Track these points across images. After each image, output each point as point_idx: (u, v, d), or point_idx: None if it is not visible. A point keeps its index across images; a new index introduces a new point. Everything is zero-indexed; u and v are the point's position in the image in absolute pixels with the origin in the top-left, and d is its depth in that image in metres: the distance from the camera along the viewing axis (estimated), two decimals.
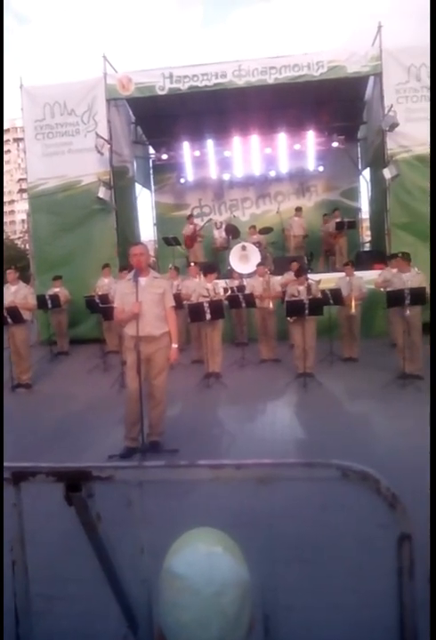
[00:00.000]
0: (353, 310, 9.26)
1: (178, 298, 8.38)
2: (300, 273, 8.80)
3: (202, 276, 9.76)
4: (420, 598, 1.07)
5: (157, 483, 1.11)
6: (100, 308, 9.48)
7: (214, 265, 11.25)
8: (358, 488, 1.03)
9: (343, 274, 10.00)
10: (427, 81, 11.49)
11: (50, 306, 10.71)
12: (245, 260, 12.06)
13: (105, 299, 9.68)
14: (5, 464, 1.19)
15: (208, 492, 3.73)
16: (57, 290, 11.24)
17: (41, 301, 10.17)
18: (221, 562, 0.96)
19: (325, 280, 10.03)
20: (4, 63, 8.96)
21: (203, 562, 0.96)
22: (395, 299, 7.91)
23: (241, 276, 11.37)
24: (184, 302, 9.18)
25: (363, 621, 2.78)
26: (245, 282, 10.78)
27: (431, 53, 3.89)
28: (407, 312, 7.83)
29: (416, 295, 7.69)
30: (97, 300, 9.91)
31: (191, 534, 1.03)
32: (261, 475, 1.05)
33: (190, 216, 15.09)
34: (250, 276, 11.18)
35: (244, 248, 12.22)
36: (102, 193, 12.01)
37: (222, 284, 10.15)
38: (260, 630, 1.12)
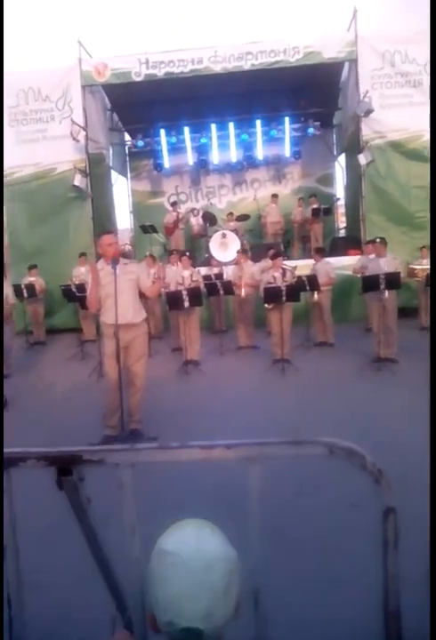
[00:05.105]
0: (316, 296, 9.36)
1: None
2: (275, 256, 8.87)
3: (179, 263, 9.76)
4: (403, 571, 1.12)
5: (148, 465, 1.12)
6: (77, 296, 9.42)
7: (186, 251, 11.22)
8: (344, 464, 1.07)
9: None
10: (402, 67, 11.59)
11: (26, 295, 10.60)
12: (224, 248, 12.10)
13: (82, 287, 9.60)
14: None
15: (199, 472, 3.77)
16: (33, 279, 11.12)
17: (16, 291, 10.06)
18: (209, 540, 1.00)
19: (299, 267, 10.12)
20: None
21: (192, 540, 1.00)
22: (370, 284, 8.02)
23: (220, 263, 11.39)
24: (163, 290, 9.15)
25: (350, 595, 2.86)
26: (224, 269, 10.82)
27: (431, 51, 3.92)
28: (386, 295, 7.94)
29: (391, 280, 7.80)
30: (74, 289, 9.83)
31: (180, 522, 1.06)
32: (251, 454, 1.08)
33: (174, 203, 14.98)
34: (229, 263, 11.22)
35: (224, 235, 12.27)
36: (78, 180, 11.86)
37: (202, 271, 10.17)
38: (250, 604, 1.15)
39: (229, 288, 9.40)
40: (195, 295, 8.45)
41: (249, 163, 15.71)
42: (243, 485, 1.14)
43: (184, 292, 8.36)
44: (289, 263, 9.79)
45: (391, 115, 11.61)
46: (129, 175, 17.16)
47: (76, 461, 1.10)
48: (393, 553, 1.03)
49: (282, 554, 3.20)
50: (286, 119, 14.36)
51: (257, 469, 1.08)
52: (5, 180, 12.48)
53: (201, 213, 14.58)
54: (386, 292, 7.93)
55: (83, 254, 11.33)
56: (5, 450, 1.18)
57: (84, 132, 12.02)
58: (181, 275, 9.06)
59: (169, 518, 1.11)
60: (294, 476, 4.14)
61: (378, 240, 8.66)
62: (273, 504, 3.57)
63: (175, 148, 15.23)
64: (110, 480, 1.20)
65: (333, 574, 3.09)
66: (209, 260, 11.80)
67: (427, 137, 11.12)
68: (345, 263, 11.16)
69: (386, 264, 8.21)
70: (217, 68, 11.91)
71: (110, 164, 14.93)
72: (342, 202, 16.38)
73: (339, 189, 16.52)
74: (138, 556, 1.21)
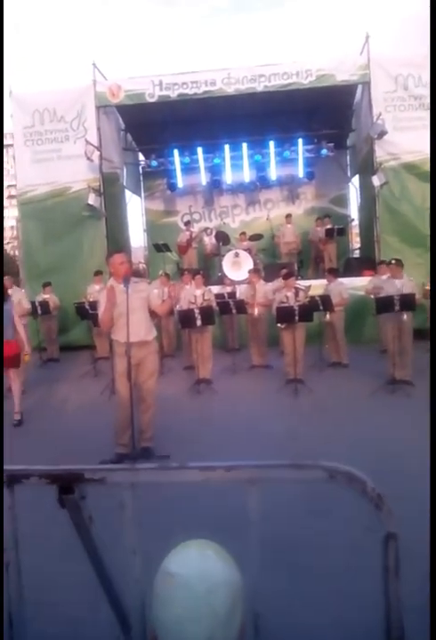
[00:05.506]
0: (328, 316, 9.34)
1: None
2: (287, 276, 8.88)
3: (192, 282, 9.80)
4: (405, 597, 1.10)
5: (148, 485, 1.12)
6: (91, 314, 9.47)
7: (199, 270, 11.28)
8: (345, 489, 1.06)
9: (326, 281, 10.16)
10: (415, 90, 11.64)
11: (39, 312, 10.69)
12: (237, 267, 12.17)
13: (95, 305, 9.65)
14: None
15: (199, 493, 3.74)
16: (46, 296, 11.22)
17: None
18: (213, 563, 0.99)
19: (314, 286, 10.11)
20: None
21: (196, 562, 0.99)
22: (384, 305, 7.97)
23: (233, 282, 11.43)
24: (175, 308, 9.18)
25: (349, 621, 2.80)
26: (237, 288, 10.86)
27: (431, 56, 3.93)
28: (405, 317, 7.89)
29: (405, 302, 7.74)
30: (87, 307, 9.89)
31: (186, 543, 1.06)
32: (250, 476, 1.07)
33: (188, 222, 15.12)
34: (242, 282, 11.26)
35: (237, 255, 12.35)
36: (92, 199, 12.01)
37: (215, 290, 10.20)
38: (250, 629, 1.14)
39: (241, 307, 9.41)
40: (207, 314, 8.46)
41: (262, 183, 15.84)
42: (247, 504, 1.13)
43: (197, 311, 8.39)
44: (303, 283, 9.79)
45: (404, 137, 11.66)
46: (143, 194, 17.35)
47: (77, 480, 1.11)
48: (394, 580, 1.02)
49: (288, 576, 3.16)
50: (300, 140, 14.47)
51: (257, 491, 1.08)
52: (21, 198, 12.71)
53: (214, 233, 14.67)
54: (404, 314, 7.88)
55: (98, 272, 11.42)
56: (9, 466, 1.18)
57: (99, 152, 12.19)
58: (193, 293, 9.10)
59: (173, 538, 1.10)
60: (302, 494, 4.10)
61: (394, 261, 8.57)
62: (280, 522, 3.54)
63: (189, 168, 15.37)
64: (114, 499, 1.20)
65: (342, 594, 3.04)
66: (222, 279, 11.85)
67: None
68: (359, 284, 11.15)
69: (402, 285, 8.15)
70: (230, 90, 12.06)
71: (124, 184, 15.12)
72: (356, 222, 16.37)
73: (353, 210, 16.57)
74: (139, 576, 1.20)
